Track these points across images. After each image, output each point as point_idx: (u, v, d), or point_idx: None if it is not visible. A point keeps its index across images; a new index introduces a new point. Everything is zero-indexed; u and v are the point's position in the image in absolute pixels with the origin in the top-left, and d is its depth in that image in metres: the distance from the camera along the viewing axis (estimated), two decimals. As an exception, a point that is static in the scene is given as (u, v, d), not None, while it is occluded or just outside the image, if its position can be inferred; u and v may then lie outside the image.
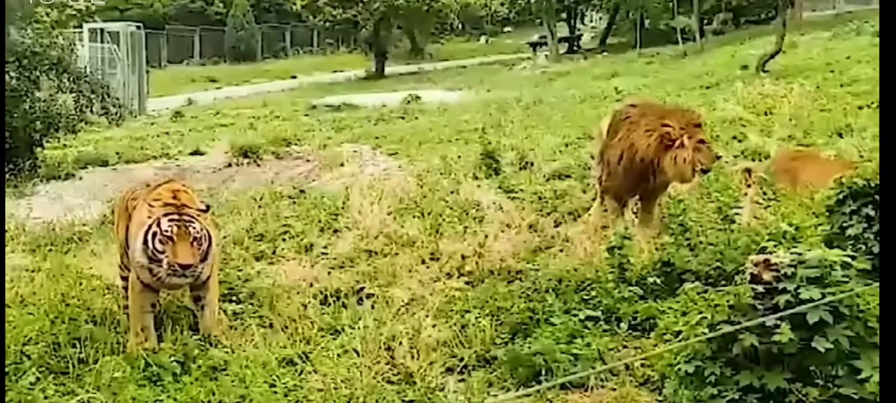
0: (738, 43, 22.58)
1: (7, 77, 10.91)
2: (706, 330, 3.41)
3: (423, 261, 6.09)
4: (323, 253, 6.47)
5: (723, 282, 4.66)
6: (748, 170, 7.15)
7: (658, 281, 4.97)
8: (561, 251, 6.14)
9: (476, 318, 4.68)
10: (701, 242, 5.53)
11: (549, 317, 4.62)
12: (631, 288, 4.91)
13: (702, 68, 18.74)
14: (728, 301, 3.42)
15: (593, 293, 4.89)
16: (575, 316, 4.66)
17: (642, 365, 4.09)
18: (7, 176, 10.07)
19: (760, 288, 3.31)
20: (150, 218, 4.60)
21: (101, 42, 22.12)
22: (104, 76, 15.09)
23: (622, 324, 4.60)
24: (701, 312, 3.61)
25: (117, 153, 12.59)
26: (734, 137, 9.91)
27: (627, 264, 5.12)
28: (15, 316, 4.99)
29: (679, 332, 3.94)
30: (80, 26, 24.76)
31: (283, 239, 6.87)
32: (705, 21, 29.37)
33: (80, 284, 5.60)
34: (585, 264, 5.50)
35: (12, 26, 11.30)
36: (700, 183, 7.37)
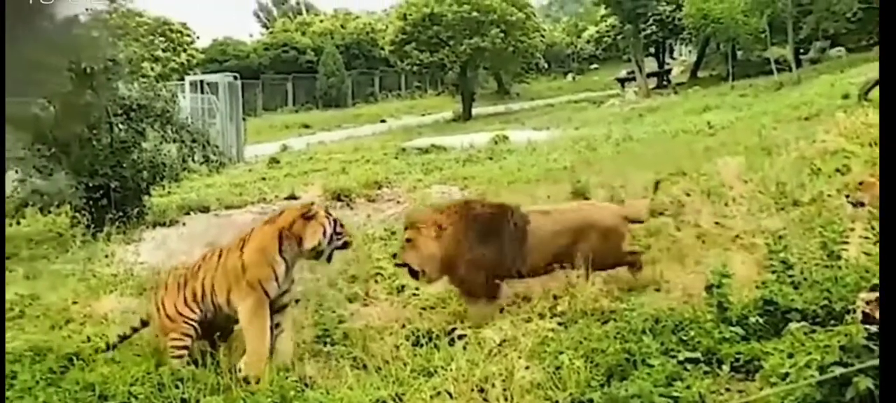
0: (838, 71, 21.73)
1: (116, 129, 11.54)
2: (815, 373, 3.25)
3: (515, 302, 6.05)
4: (414, 294, 6.50)
5: (831, 322, 4.43)
6: (860, 204, 6.81)
7: (761, 320, 4.75)
8: (657, 290, 5.99)
9: (570, 360, 4.58)
10: (805, 279, 5.28)
11: (645, 359, 4.47)
12: (732, 328, 4.71)
13: (799, 99, 18.10)
14: (838, 341, 3.25)
15: (692, 333, 4.72)
16: (673, 357, 4.50)
17: (747, 410, 3.91)
18: (116, 223, 10.60)
19: (874, 328, 3.13)
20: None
21: (201, 93, 23.21)
22: (204, 125, 15.78)
23: (724, 366, 4.41)
24: (809, 353, 3.45)
25: (217, 199, 13.08)
26: (837, 170, 9.48)
27: (727, 303, 4.93)
28: (123, 357, 5.22)
29: (786, 374, 3.75)
30: (182, 79, 26.16)
31: (376, 281, 6.95)
32: (801, 50, 28.46)
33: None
34: (683, 303, 5.34)
35: (121, 81, 11.96)
36: (801, 218, 7.09)
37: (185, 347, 5.22)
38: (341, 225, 5.36)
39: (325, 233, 5.22)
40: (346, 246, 5.38)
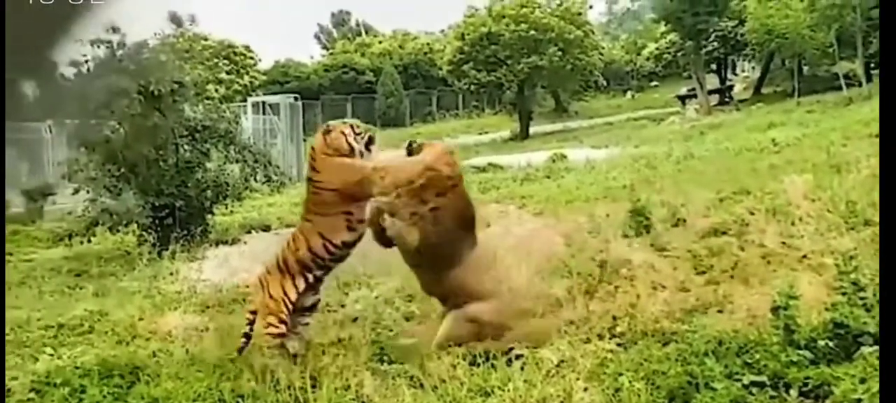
0: (912, 85, 20.95)
1: (181, 149, 11.87)
2: (890, 400, 3.11)
3: (573, 322, 5.96)
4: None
5: (907, 346, 4.24)
6: None
7: (830, 344, 4.57)
8: (719, 311, 5.83)
9: (630, 382, 4.49)
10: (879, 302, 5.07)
11: (708, 382, 4.36)
12: (800, 351, 4.54)
13: (870, 115, 17.45)
14: (915, 367, 3.11)
15: (757, 356, 4.57)
16: (737, 380, 4.37)
17: (817, 436, 3.77)
18: (181, 242, 10.86)
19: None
20: None
21: (263, 114, 23.71)
22: (266, 146, 16.09)
23: (791, 391, 4.26)
24: (883, 379, 3.30)
25: (278, 218, 13.30)
26: (912, 187, 9.11)
27: (795, 325, 4.76)
28: (185, 373, 5.33)
29: (858, 401, 3.62)
30: (245, 100, 26.78)
31: (432, 299, 6.93)
32: (872, 64, 27.58)
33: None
34: (747, 325, 5.19)
35: (187, 103, 12.31)
36: (873, 238, 6.84)
37: (280, 334, 5.41)
38: (358, 125, 5.77)
39: (346, 136, 5.54)
40: (372, 140, 5.70)
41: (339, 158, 5.51)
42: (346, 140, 5.55)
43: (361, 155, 5.59)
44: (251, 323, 5.57)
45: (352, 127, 5.70)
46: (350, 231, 5.52)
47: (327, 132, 5.62)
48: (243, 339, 5.56)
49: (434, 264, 5.68)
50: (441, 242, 5.58)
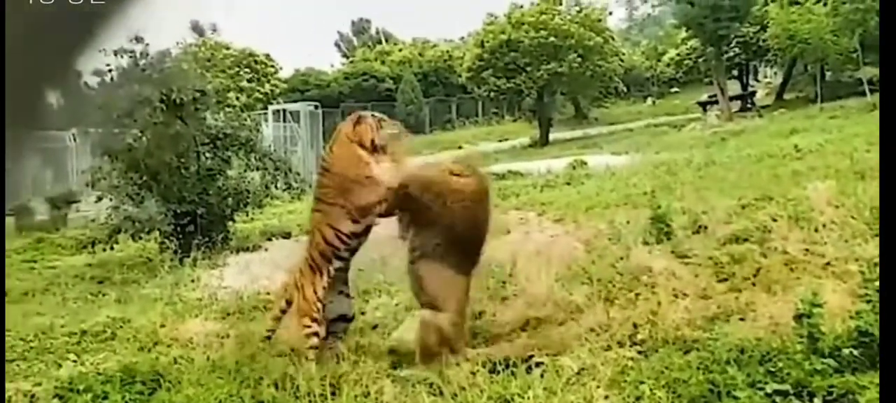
0: (937, 90, 20.65)
1: (203, 157, 11.96)
2: (917, 409, 3.06)
3: (593, 329, 5.93)
4: (491, 321, 6.46)
5: (934, 355, 4.16)
6: None
7: (855, 352, 4.51)
8: (741, 319, 5.77)
9: (651, 390, 4.46)
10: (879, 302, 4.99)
11: (730, 390, 4.31)
12: (824, 359, 4.48)
13: (894, 120, 17.26)
14: (942, 376, 3.06)
15: (780, 364, 4.51)
16: (760, 389, 4.32)
17: (841, 446, 3.71)
18: (202, 249, 10.92)
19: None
20: None
21: (284, 121, 23.87)
22: (286, 153, 16.20)
23: (816, 400, 4.20)
24: (909, 388, 3.25)
25: (298, 225, 13.33)
26: (938, 193, 8.96)
27: (818, 333, 4.71)
28: (206, 379, 5.36)
29: (884, 410, 3.55)
30: (266, 108, 26.98)
31: (452, 307, 6.92)
32: (896, 69, 27.28)
33: (264, 350, 5.93)
34: (770, 333, 5.13)
35: (208, 111, 12.41)
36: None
37: (315, 333, 5.53)
38: (383, 119, 5.81)
39: (371, 129, 5.60)
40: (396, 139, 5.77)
41: (357, 148, 5.58)
42: (370, 135, 5.61)
43: (384, 149, 5.65)
44: (286, 309, 5.77)
45: (380, 121, 5.75)
46: (353, 222, 5.58)
47: (358, 122, 5.69)
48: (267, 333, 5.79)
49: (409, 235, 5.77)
50: (421, 237, 5.66)
